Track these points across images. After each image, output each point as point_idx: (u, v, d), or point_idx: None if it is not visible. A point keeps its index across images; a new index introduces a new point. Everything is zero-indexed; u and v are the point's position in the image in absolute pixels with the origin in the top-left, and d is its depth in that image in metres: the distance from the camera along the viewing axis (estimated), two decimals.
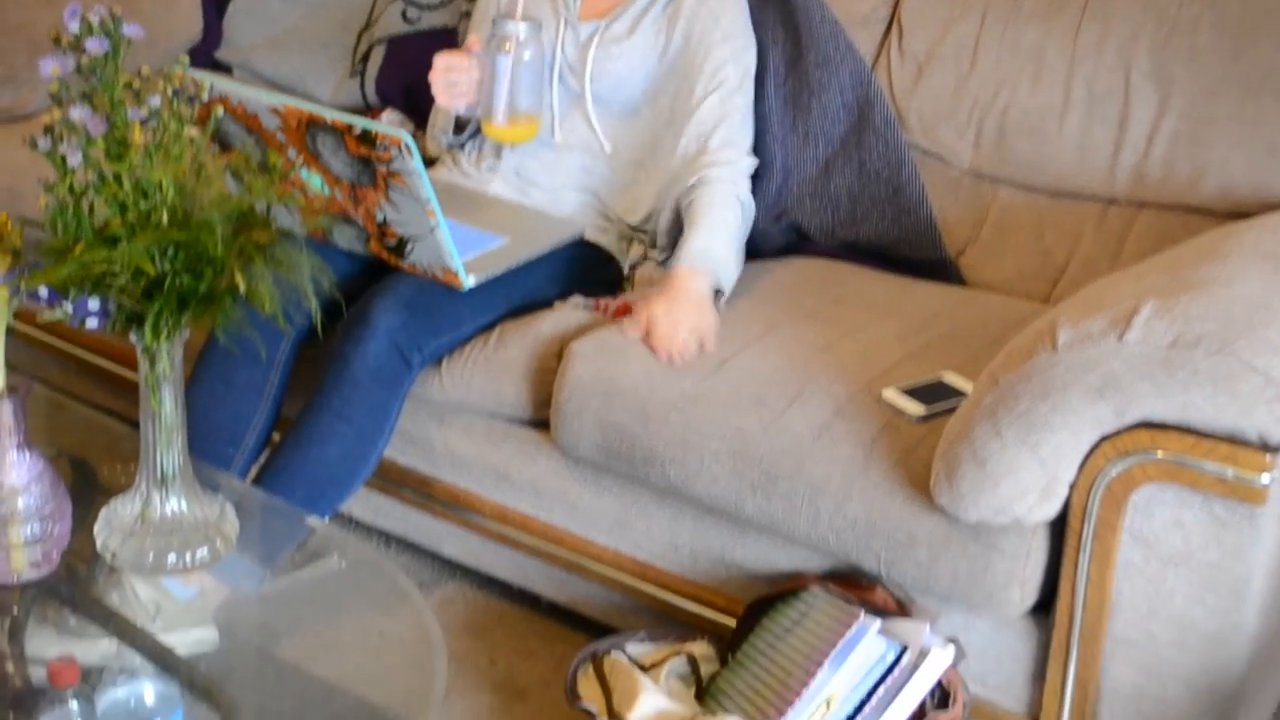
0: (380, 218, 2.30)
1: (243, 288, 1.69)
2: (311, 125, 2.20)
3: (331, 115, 2.19)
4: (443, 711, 2.21)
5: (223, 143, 2.30)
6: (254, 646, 1.94)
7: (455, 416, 2.47)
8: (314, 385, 2.34)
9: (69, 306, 1.71)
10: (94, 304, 1.71)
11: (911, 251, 2.71)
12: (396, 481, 2.56)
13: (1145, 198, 2.55)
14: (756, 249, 2.77)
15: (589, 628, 2.46)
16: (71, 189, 1.67)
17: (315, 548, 2.08)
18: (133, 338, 1.76)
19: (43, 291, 1.70)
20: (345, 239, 2.40)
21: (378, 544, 2.69)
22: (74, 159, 1.64)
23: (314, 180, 2.28)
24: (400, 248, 2.34)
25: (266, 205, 1.78)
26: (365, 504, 2.60)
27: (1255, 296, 1.85)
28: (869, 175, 2.73)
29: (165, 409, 1.79)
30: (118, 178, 1.66)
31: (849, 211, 2.75)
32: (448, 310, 2.38)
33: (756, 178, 2.73)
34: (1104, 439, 1.91)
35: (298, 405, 2.37)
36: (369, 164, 2.19)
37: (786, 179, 2.75)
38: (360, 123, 2.16)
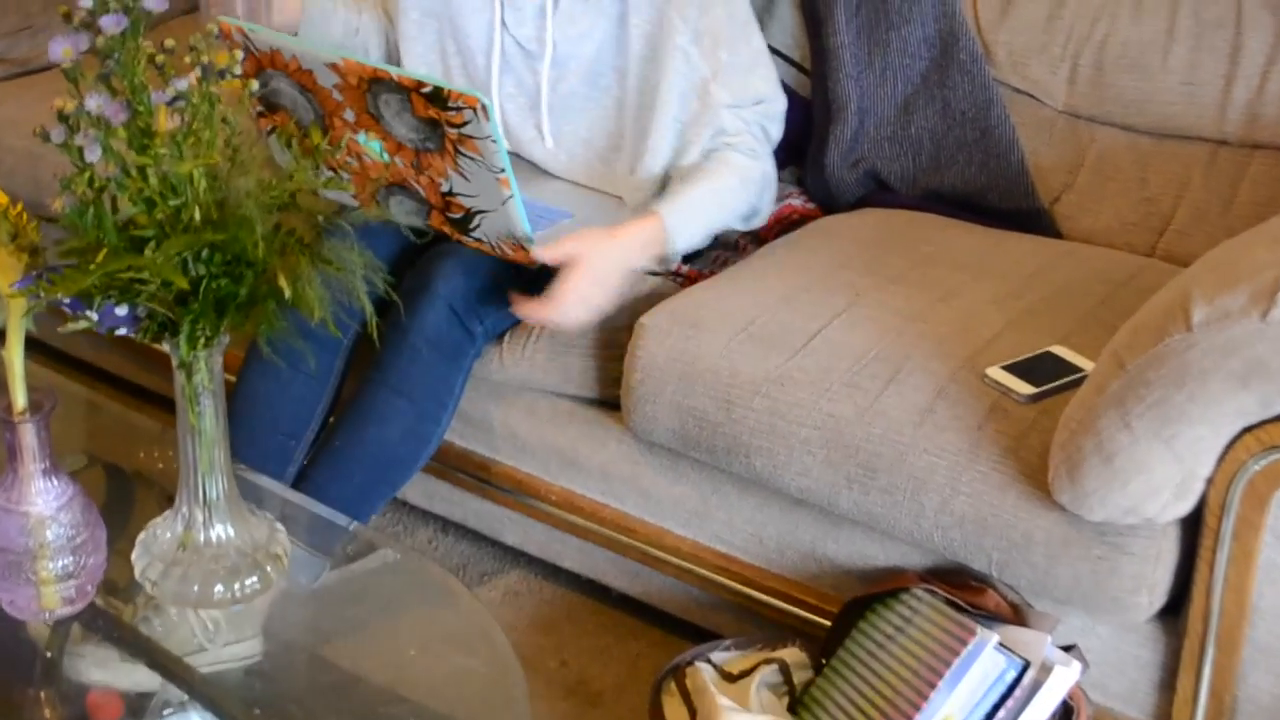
0: (446, 188, 2.09)
1: (288, 293, 1.49)
2: (374, 83, 2.00)
3: (397, 72, 1.99)
4: None
5: (271, 103, 2.09)
6: (305, 657, 1.80)
7: (516, 396, 2.29)
8: (371, 360, 2.16)
9: (94, 315, 1.52)
10: (121, 311, 1.52)
11: (1000, 200, 2.51)
12: (453, 465, 2.37)
13: (1260, 139, 2.34)
14: (831, 199, 2.58)
15: (665, 622, 2.29)
16: (91, 183, 1.48)
17: (361, 551, 1.92)
18: (166, 347, 1.57)
19: (64, 299, 1.51)
20: (403, 212, 2.19)
21: (434, 531, 2.52)
22: (93, 154, 1.44)
23: (372, 146, 2.08)
24: (466, 221, 2.13)
25: (314, 189, 1.58)
26: (419, 488, 2.42)
27: None
28: (953, 116, 2.52)
29: (206, 424, 1.60)
30: (142, 171, 1.47)
31: (932, 156, 2.54)
32: (512, 280, 2.19)
33: (829, 121, 2.53)
34: (1246, 430, 1.71)
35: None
36: (437, 127, 1.99)
37: (862, 121, 2.54)
38: (431, 80, 1.97)
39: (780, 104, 2.35)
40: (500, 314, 2.20)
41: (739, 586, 2.16)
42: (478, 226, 2.13)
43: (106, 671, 1.71)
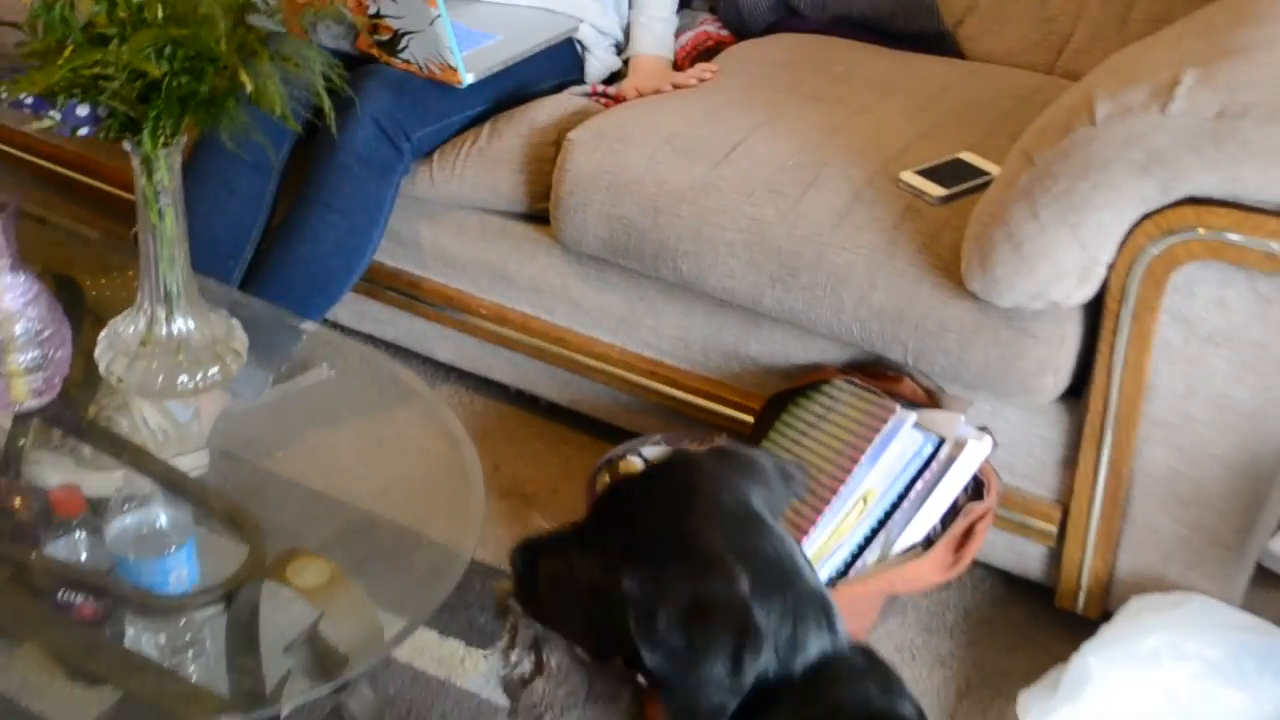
0: (374, 9, 2.14)
1: (250, 88, 1.55)
2: None
3: None
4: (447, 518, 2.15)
5: None
6: (260, 464, 1.87)
7: (446, 213, 2.36)
8: (302, 182, 2.22)
9: (57, 115, 1.57)
10: (83, 110, 1.57)
11: (906, 24, 2.60)
12: (383, 284, 2.45)
13: None
14: (744, 26, 2.65)
15: (594, 428, 2.39)
16: None
17: (310, 356, 1.99)
18: (127, 146, 1.63)
19: (27, 99, 1.56)
20: (330, 36, 2.24)
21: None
22: None
23: None
24: (394, 43, 2.19)
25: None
26: (349, 308, 2.48)
27: None
28: None
29: (166, 222, 1.66)
30: None
31: None
32: (437, 97, 2.26)
33: None
34: (1145, 217, 1.83)
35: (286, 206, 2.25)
36: None
37: None
38: None
39: None
40: (428, 131, 2.27)
41: (666, 389, 2.27)
42: (405, 48, 2.19)
43: (64, 475, 1.76)
